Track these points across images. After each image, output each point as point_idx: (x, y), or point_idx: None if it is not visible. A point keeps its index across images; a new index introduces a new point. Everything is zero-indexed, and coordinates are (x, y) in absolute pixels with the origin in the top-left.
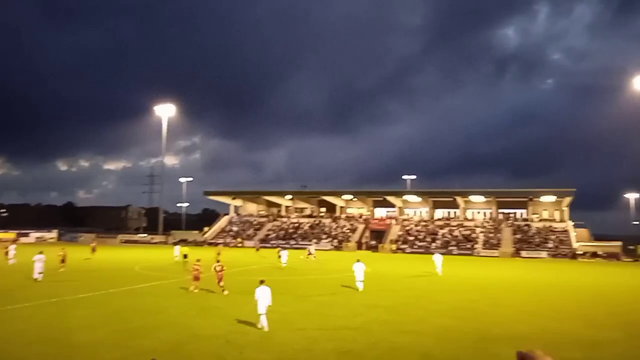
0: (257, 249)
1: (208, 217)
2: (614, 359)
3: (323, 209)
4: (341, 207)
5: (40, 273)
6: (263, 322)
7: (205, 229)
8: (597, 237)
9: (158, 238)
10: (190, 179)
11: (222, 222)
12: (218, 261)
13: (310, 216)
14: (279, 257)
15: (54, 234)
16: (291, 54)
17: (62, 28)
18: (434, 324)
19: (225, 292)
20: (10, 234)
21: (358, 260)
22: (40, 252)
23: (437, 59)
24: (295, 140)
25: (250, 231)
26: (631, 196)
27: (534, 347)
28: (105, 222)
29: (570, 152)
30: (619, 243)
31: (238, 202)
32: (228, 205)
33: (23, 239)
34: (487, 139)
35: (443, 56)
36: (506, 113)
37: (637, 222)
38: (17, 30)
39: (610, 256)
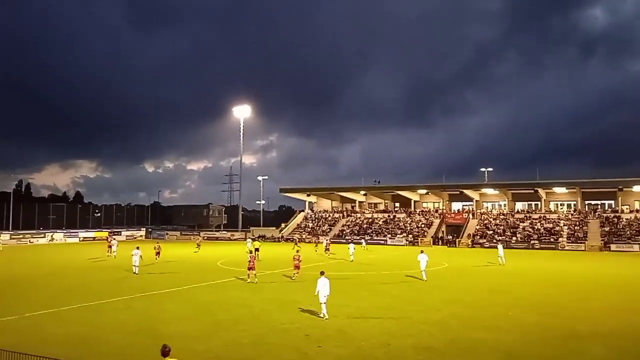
0: (327, 249)
1: (284, 213)
2: None
3: (397, 204)
4: (415, 201)
5: (136, 266)
6: (324, 310)
7: (282, 225)
8: None
9: (237, 235)
10: (267, 177)
11: (298, 219)
12: (297, 251)
13: (384, 211)
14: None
15: (142, 231)
16: (365, 48)
17: (149, 34)
18: (515, 320)
19: (294, 277)
20: (104, 233)
21: (422, 252)
22: (137, 247)
23: (517, 45)
24: (369, 135)
25: (325, 227)
26: None
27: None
28: (188, 220)
29: None
30: None
31: (312, 199)
32: (303, 201)
33: (116, 237)
34: (571, 127)
35: (524, 41)
36: (592, 98)
37: None
38: (109, 38)
39: None
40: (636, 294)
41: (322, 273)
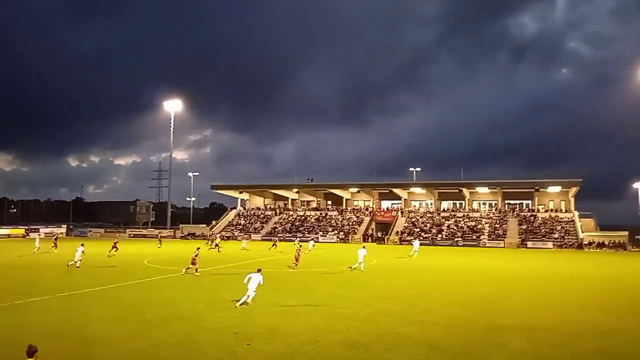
0: (274, 245)
1: (216, 211)
2: (626, 346)
3: (329, 202)
4: (347, 199)
5: (78, 260)
6: (244, 299)
7: (213, 222)
8: (603, 227)
9: (166, 232)
10: (197, 173)
11: (229, 216)
12: (300, 245)
13: (316, 209)
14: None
15: (63, 229)
16: (303, 46)
17: (75, 23)
18: (441, 315)
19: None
20: (20, 230)
21: (363, 247)
22: (82, 244)
23: (452, 49)
24: (305, 133)
25: (258, 224)
26: (639, 185)
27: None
28: (113, 216)
29: (582, 142)
30: (626, 233)
31: (245, 196)
32: (236, 199)
33: (32, 235)
34: (500, 130)
35: (458, 45)
36: (521, 102)
37: None
38: (35, 22)
39: (617, 246)
40: (552, 287)
41: (259, 270)
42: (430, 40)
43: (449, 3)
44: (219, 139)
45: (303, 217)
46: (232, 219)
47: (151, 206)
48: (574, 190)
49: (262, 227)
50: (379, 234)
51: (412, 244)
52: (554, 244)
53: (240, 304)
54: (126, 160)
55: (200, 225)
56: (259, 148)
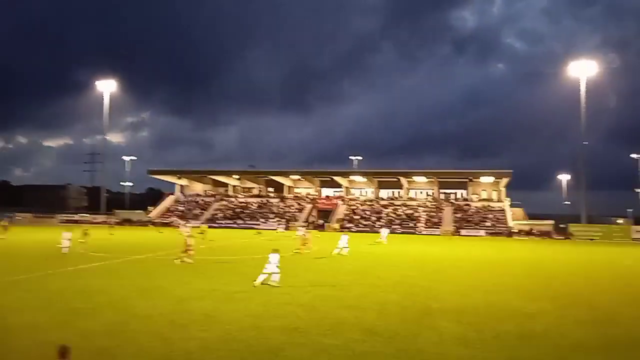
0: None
1: (153, 196)
2: (544, 328)
3: (271, 189)
4: (289, 186)
5: (66, 247)
6: (275, 278)
7: (150, 208)
8: (531, 216)
9: (100, 217)
10: (134, 157)
11: (167, 202)
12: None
13: (258, 196)
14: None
15: None
16: (247, 29)
17: None
18: (376, 300)
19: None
20: None
21: (345, 234)
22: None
23: (395, 38)
24: (247, 118)
25: (197, 211)
26: (563, 177)
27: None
28: (43, 202)
29: (514, 134)
30: (551, 222)
31: (184, 182)
32: (174, 184)
33: None
34: (439, 120)
35: (401, 35)
36: (460, 94)
37: (568, 202)
38: None
39: (543, 234)
40: (483, 273)
41: (275, 250)
42: (373, 29)
43: None
44: (157, 122)
45: (244, 204)
46: (170, 205)
47: (84, 191)
48: (505, 180)
49: (202, 213)
50: (320, 222)
51: (379, 232)
52: (485, 232)
53: (261, 283)
54: (57, 142)
55: (137, 211)
56: (199, 132)
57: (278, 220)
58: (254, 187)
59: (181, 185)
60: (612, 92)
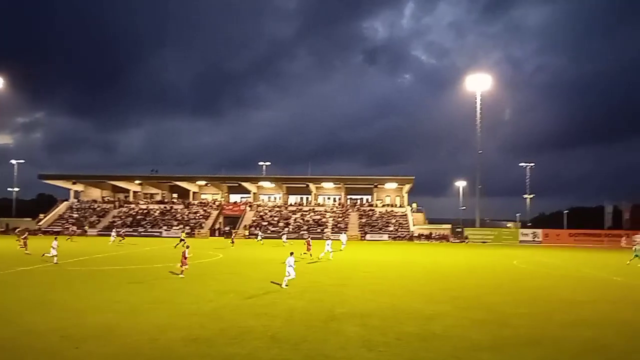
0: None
1: (44, 203)
2: (443, 329)
3: (175, 195)
4: (195, 192)
5: (55, 255)
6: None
7: (41, 216)
8: (431, 221)
9: None
10: (23, 160)
11: (60, 209)
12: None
13: (161, 202)
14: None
15: None
16: (157, 28)
17: None
18: (283, 307)
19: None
20: None
21: (329, 239)
22: (55, 238)
23: (309, 45)
24: (156, 121)
25: (93, 218)
26: (460, 184)
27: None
28: None
29: (418, 143)
30: (449, 226)
31: (79, 187)
32: (69, 190)
33: None
34: (350, 127)
35: (316, 43)
36: (370, 103)
37: (464, 207)
38: None
39: (442, 238)
40: (386, 276)
41: (291, 253)
42: (288, 35)
43: (307, 0)
44: (53, 122)
45: (145, 211)
46: (64, 212)
47: None
48: (407, 187)
49: (99, 220)
50: (227, 228)
51: (339, 239)
52: (389, 236)
53: (285, 285)
54: None
55: (26, 219)
56: (102, 135)
57: (182, 227)
58: (157, 193)
59: (76, 191)
60: (507, 105)
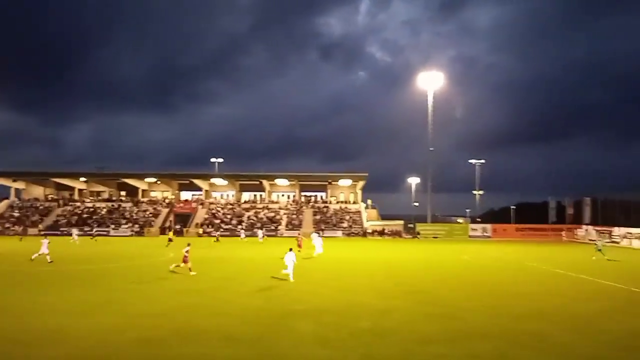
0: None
1: None
2: (396, 324)
3: (123, 193)
4: (144, 190)
5: (47, 254)
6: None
7: None
8: (384, 217)
9: None
10: None
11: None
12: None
13: (108, 200)
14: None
15: None
16: (106, 21)
17: None
18: (238, 305)
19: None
20: None
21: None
22: (46, 237)
23: (264, 41)
24: (104, 116)
25: (36, 217)
26: (413, 180)
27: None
28: None
29: (373, 139)
30: (401, 222)
31: (20, 185)
32: (9, 188)
33: None
34: (306, 124)
35: (271, 38)
36: (326, 100)
37: (417, 204)
38: None
39: (394, 233)
40: (341, 273)
41: (290, 249)
42: (243, 30)
43: None
44: None
45: (92, 209)
46: (4, 211)
47: None
48: (361, 183)
49: (42, 220)
50: (178, 226)
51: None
52: (342, 233)
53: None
54: None
55: None
56: (47, 130)
57: (131, 226)
58: (104, 191)
59: (17, 189)
60: (459, 103)
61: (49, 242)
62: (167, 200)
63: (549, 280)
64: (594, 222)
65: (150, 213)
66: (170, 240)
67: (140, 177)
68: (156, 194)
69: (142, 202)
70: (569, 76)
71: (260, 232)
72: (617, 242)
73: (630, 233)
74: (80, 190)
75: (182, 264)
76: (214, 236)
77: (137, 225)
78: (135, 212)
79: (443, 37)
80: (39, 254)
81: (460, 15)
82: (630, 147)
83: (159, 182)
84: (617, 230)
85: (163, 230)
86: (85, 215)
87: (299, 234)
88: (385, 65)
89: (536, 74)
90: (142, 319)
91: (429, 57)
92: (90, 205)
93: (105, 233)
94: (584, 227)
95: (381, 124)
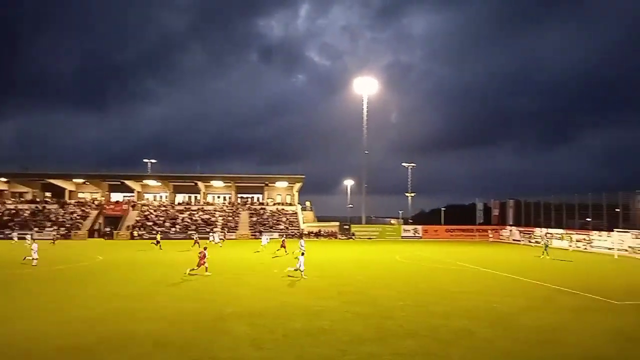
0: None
1: None
2: (330, 324)
3: (49, 194)
4: (71, 191)
5: (35, 258)
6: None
7: None
8: (320, 219)
9: None
10: None
11: None
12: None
13: (32, 202)
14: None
15: None
16: (37, 12)
17: None
18: (170, 310)
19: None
20: None
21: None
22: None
23: (204, 40)
24: (30, 114)
25: None
26: (348, 183)
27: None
28: None
29: (311, 142)
30: (337, 223)
31: None
32: None
33: None
34: (244, 126)
35: (210, 38)
36: (265, 102)
37: (352, 205)
38: None
39: (330, 235)
40: (276, 276)
41: (302, 254)
42: (181, 29)
43: None
44: None
45: (14, 211)
46: None
47: None
48: (298, 185)
49: None
50: (108, 229)
51: (265, 238)
52: (279, 235)
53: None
54: None
55: None
56: None
57: (57, 229)
58: (27, 192)
59: None
60: (394, 108)
61: (38, 247)
62: (96, 202)
63: (474, 279)
64: (517, 223)
65: (78, 215)
66: (157, 242)
67: (68, 177)
68: (84, 195)
69: (70, 203)
70: (498, 85)
71: (265, 237)
72: (538, 242)
73: (550, 233)
74: (1, 191)
75: (197, 267)
76: (154, 239)
77: (63, 228)
78: (61, 214)
79: (381, 43)
80: (31, 257)
81: (397, 23)
82: (551, 153)
83: (87, 183)
84: (538, 231)
85: (91, 233)
86: (5, 218)
87: (283, 236)
88: (324, 70)
89: (468, 83)
90: (69, 326)
91: (367, 62)
92: (12, 207)
93: (28, 236)
94: (508, 227)
95: (319, 127)
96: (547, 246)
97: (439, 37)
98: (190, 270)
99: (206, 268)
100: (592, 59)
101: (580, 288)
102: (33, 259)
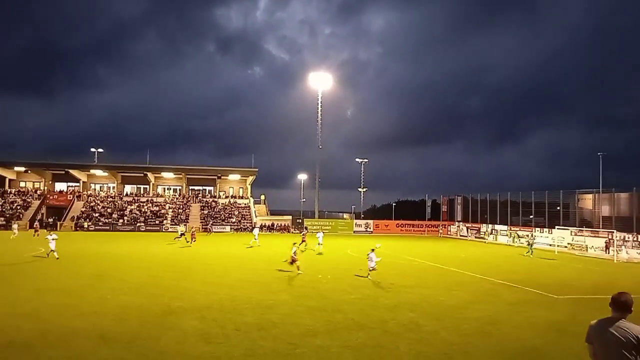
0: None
1: None
2: (280, 317)
3: None
4: (11, 180)
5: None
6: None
7: None
8: (273, 212)
9: None
10: None
11: None
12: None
13: None
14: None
15: None
16: None
17: None
18: (115, 304)
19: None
20: None
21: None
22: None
23: (158, 28)
24: None
25: None
26: (302, 177)
27: None
28: None
29: (267, 135)
30: (290, 217)
31: None
32: None
33: None
34: (198, 117)
35: (166, 25)
36: (221, 93)
37: (305, 200)
38: None
39: (283, 229)
40: (226, 268)
41: (372, 249)
42: (135, 14)
43: None
44: None
45: None
46: None
47: None
48: (251, 178)
49: None
50: (51, 220)
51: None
52: (231, 228)
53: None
54: None
55: None
56: None
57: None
58: None
59: None
60: (350, 104)
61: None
62: (39, 192)
63: (422, 273)
64: (465, 219)
65: (19, 205)
66: (182, 234)
67: (8, 165)
68: (26, 185)
69: (10, 192)
70: (450, 85)
71: (256, 230)
72: (484, 238)
73: (496, 230)
74: None
75: (290, 264)
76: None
77: (2, 218)
78: (1, 204)
79: (339, 39)
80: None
81: (357, 19)
82: (499, 152)
83: (29, 172)
84: (485, 227)
85: (32, 224)
86: None
87: (304, 231)
88: (281, 63)
89: (422, 81)
90: (3, 321)
91: (325, 57)
92: None
93: None
94: (456, 223)
95: (275, 120)
96: (531, 245)
97: (396, 35)
98: (298, 269)
99: (298, 267)
100: (536, 62)
101: (522, 282)
102: (52, 250)
